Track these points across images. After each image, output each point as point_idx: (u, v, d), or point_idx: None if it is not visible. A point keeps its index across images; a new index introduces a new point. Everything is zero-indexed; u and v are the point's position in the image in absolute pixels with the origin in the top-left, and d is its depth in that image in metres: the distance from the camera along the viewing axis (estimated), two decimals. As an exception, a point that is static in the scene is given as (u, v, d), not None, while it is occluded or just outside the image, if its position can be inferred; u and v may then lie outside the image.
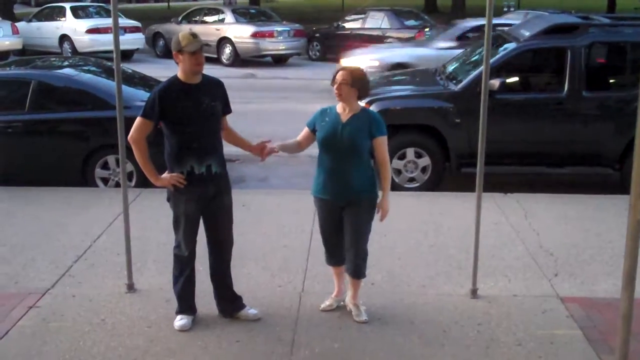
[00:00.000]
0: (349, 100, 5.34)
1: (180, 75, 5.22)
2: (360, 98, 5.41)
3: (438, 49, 16.11)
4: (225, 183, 5.44)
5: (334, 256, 5.67)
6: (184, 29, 23.77)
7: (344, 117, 5.35)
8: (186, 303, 5.55)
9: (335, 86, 5.33)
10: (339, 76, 5.33)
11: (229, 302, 5.68)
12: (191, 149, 5.18)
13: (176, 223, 5.38)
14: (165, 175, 5.23)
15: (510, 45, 9.53)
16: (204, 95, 5.22)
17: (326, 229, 5.59)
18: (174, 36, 5.25)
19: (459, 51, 12.17)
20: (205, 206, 5.33)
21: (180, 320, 5.49)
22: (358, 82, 5.31)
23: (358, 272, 5.54)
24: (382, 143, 5.34)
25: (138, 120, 5.19)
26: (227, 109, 5.49)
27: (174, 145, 5.22)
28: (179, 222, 5.35)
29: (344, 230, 5.46)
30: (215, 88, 5.40)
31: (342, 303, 5.79)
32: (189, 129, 5.16)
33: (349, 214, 5.39)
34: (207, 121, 5.25)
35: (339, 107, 5.42)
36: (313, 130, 5.48)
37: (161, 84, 5.32)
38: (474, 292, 6.02)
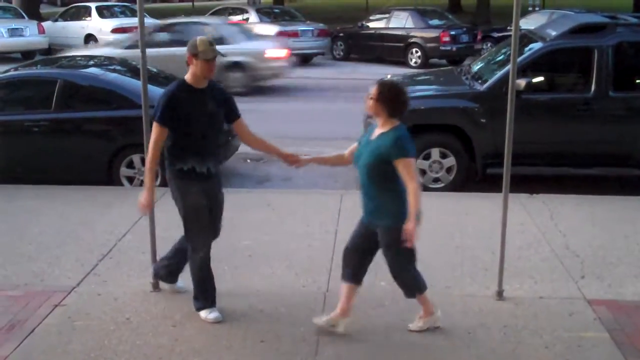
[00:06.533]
0: (378, 117, 5.03)
1: (188, 78, 5.30)
2: (392, 115, 4.98)
3: None
4: (220, 180, 5.63)
5: (344, 268, 5.37)
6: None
7: (375, 135, 5.06)
8: (211, 297, 5.63)
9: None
10: (371, 89, 5.03)
11: (176, 274, 5.97)
12: (194, 150, 5.30)
13: (190, 218, 5.43)
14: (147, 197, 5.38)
15: (537, 45, 9.45)
16: (209, 99, 5.32)
17: (350, 238, 5.37)
18: (191, 39, 5.31)
19: None
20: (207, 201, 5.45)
21: (212, 313, 5.56)
22: (385, 98, 4.95)
23: (406, 294, 5.35)
24: (402, 166, 4.85)
25: (157, 127, 5.23)
26: (234, 114, 5.55)
27: (177, 145, 5.29)
28: (193, 215, 5.40)
29: None
30: (221, 93, 5.50)
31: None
32: (194, 132, 5.27)
33: (379, 238, 5.15)
34: (211, 125, 5.38)
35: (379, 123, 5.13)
36: None
37: (168, 87, 5.37)
38: (499, 294, 5.98)
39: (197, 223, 5.42)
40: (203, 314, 5.58)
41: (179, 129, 5.24)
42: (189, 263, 5.61)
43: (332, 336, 5.34)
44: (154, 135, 5.25)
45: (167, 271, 5.94)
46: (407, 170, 4.86)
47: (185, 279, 5.95)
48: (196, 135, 5.28)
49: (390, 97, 4.98)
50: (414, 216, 4.85)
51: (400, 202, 4.94)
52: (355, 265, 5.30)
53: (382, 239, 5.11)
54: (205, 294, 5.59)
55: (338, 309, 5.39)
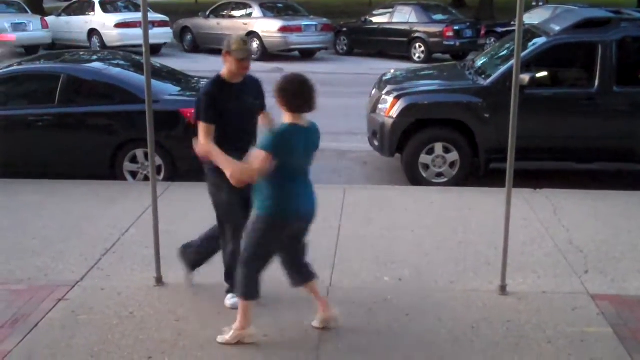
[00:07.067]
0: (281, 110, 4.87)
1: (224, 74, 5.34)
2: (291, 110, 4.80)
3: None
4: None
5: (285, 273, 5.34)
6: (212, 23, 23.97)
7: None
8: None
9: None
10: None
11: (201, 263, 5.99)
12: (234, 145, 5.28)
13: (225, 213, 5.50)
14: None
15: (540, 40, 9.43)
16: (246, 94, 5.37)
17: None
18: (228, 37, 5.36)
19: None
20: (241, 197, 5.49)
21: (233, 298, 5.62)
22: (282, 91, 4.80)
23: (237, 289, 5.14)
24: (255, 155, 4.74)
25: (203, 126, 5.22)
26: (261, 107, 5.61)
27: (217, 141, 5.26)
28: (228, 210, 5.46)
29: None
30: (256, 86, 5.55)
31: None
32: (233, 127, 5.29)
33: None
34: (249, 119, 5.44)
35: None
36: None
37: (206, 85, 5.38)
38: (502, 289, 5.97)
39: (231, 217, 5.47)
40: (228, 297, 5.71)
41: (219, 125, 5.25)
42: (221, 250, 5.71)
43: (335, 330, 5.35)
44: (203, 134, 5.21)
45: (196, 258, 5.93)
46: (256, 160, 4.71)
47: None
48: (234, 129, 5.31)
49: (289, 91, 4.81)
50: (219, 158, 5.01)
51: (273, 194, 4.82)
52: (289, 264, 5.28)
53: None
54: (234, 280, 5.68)
55: (320, 309, 5.40)
